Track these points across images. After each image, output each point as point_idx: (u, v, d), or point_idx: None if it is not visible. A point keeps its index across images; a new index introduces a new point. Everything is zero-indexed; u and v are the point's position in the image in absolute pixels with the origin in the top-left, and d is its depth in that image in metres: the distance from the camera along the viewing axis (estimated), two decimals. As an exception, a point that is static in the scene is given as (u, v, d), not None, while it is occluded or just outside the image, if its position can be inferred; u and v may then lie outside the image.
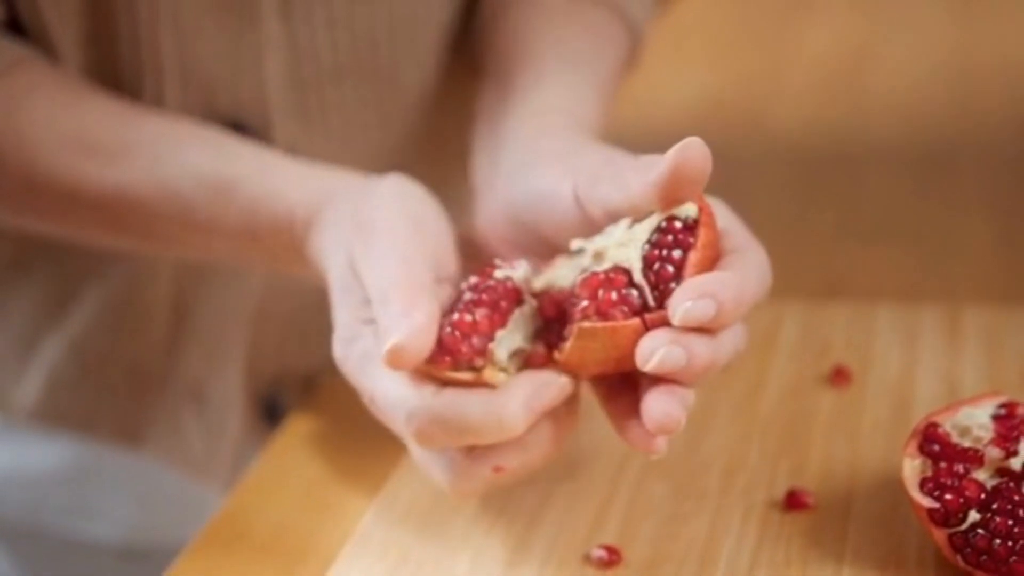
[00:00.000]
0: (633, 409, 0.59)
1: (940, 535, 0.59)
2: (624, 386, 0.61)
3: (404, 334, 0.59)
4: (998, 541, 0.58)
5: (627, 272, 0.59)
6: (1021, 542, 0.57)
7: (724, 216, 0.62)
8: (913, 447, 0.61)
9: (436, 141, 0.86)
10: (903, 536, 0.63)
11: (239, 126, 0.78)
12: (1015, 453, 0.60)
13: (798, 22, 1.37)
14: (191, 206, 0.71)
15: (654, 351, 0.57)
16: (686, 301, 0.56)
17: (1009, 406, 0.62)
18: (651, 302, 0.58)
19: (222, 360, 0.86)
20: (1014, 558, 0.57)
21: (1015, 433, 0.61)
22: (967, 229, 0.94)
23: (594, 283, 0.59)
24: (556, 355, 0.61)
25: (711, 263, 0.59)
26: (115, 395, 0.88)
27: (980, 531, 0.58)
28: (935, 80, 1.19)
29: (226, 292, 0.84)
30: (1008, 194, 0.98)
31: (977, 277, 0.88)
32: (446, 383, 0.61)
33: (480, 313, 0.61)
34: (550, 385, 0.60)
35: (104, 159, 0.72)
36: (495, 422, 0.58)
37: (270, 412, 0.90)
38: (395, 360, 0.59)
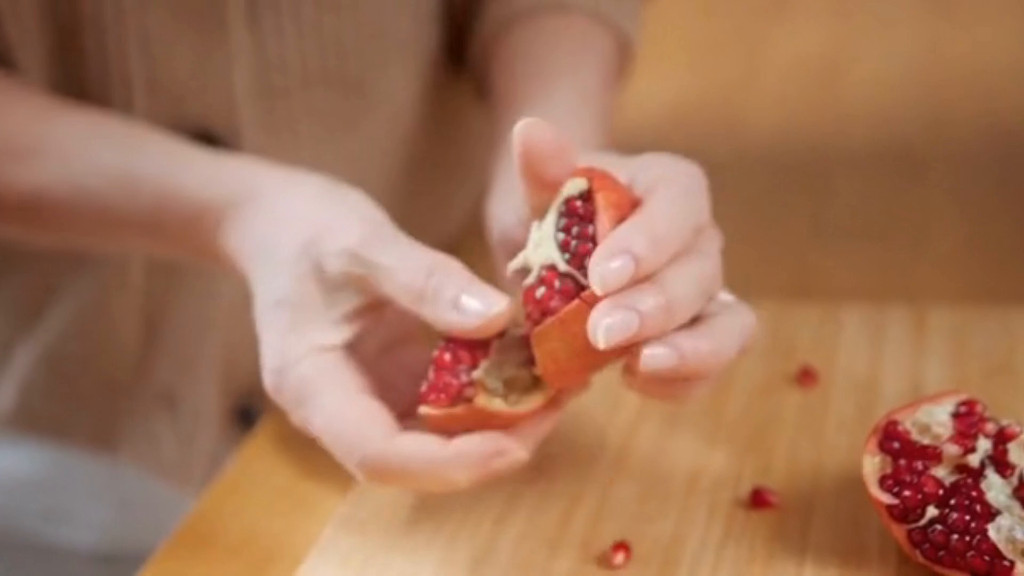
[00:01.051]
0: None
1: (899, 531, 0.60)
2: None
3: (501, 304, 0.59)
4: (956, 536, 0.58)
5: (554, 267, 0.59)
6: (978, 537, 0.58)
7: (627, 163, 0.61)
8: (873, 444, 0.62)
9: (407, 150, 0.87)
10: (865, 533, 0.64)
11: (208, 135, 0.79)
12: (973, 450, 0.61)
13: (774, 27, 1.38)
14: (103, 203, 0.71)
15: (597, 325, 0.56)
16: (599, 266, 0.56)
17: (969, 404, 0.63)
18: (585, 283, 0.58)
19: (195, 367, 0.86)
20: (971, 553, 0.58)
21: (974, 430, 0.61)
22: (936, 231, 0.95)
23: (529, 292, 0.60)
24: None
25: (620, 217, 0.58)
26: (88, 402, 0.88)
27: (938, 526, 0.59)
28: (907, 84, 1.20)
29: (197, 300, 0.85)
30: (977, 197, 0.99)
31: (945, 278, 0.89)
32: (444, 421, 0.61)
33: (459, 348, 0.61)
34: (502, 457, 0.60)
35: (18, 159, 0.72)
36: (441, 482, 0.61)
37: (244, 418, 0.90)
38: (489, 327, 0.59)
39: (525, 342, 0.62)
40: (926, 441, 0.62)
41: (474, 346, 0.62)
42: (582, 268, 0.58)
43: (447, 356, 0.61)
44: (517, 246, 0.63)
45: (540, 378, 0.61)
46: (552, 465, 0.71)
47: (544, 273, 0.59)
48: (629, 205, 0.59)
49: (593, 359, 0.60)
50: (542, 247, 0.60)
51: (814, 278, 0.91)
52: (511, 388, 0.62)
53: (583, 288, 0.58)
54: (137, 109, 0.77)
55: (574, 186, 0.60)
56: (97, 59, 0.76)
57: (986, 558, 0.58)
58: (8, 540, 0.93)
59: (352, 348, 0.64)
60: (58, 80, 0.77)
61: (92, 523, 0.93)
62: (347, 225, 0.63)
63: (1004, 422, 0.62)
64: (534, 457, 0.71)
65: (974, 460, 0.61)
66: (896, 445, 0.61)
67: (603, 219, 0.58)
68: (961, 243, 0.93)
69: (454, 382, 0.61)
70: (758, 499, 0.67)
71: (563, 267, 0.59)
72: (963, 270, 0.90)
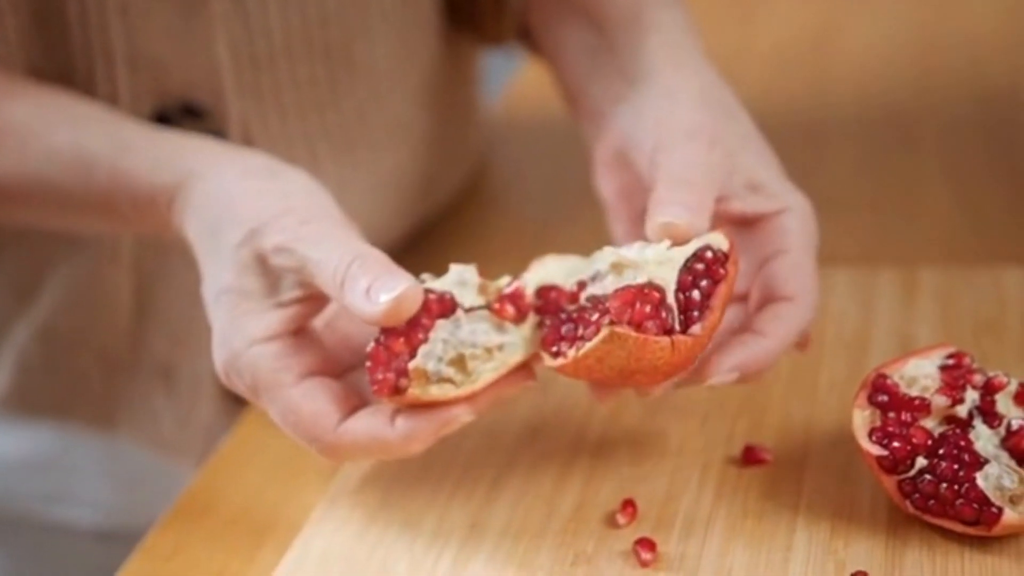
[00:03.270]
0: None
1: (889, 482, 0.61)
2: None
3: (401, 287, 0.61)
4: (944, 485, 0.59)
5: (661, 291, 0.61)
6: (966, 485, 0.59)
7: (798, 255, 0.67)
8: (863, 398, 0.63)
9: (394, 122, 0.87)
10: (857, 487, 0.64)
11: (193, 107, 0.80)
12: (961, 401, 0.62)
13: (762, 2, 1.38)
14: (60, 187, 0.73)
15: (716, 373, 0.63)
16: (723, 371, 0.63)
17: (956, 356, 0.64)
18: (676, 325, 0.61)
19: (189, 340, 0.86)
20: (960, 501, 0.59)
21: (961, 382, 0.62)
22: (926, 198, 0.95)
23: (630, 294, 0.60)
24: (551, 353, 0.62)
25: (730, 297, 0.62)
26: (85, 380, 0.88)
27: (927, 476, 0.60)
28: (895, 54, 1.20)
29: (188, 272, 0.85)
30: (965, 163, 1.00)
31: (935, 243, 0.90)
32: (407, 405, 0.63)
33: (393, 338, 0.62)
34: (450, 426, 0.62)
35: None
36: (394, 456, 0.64)
37: (240, 391, 0.91)
38: (396, 314, 0.61)
39: (535, 313, 0.64)
40: (914, 393, 0.62)
41: (409, 334, 0.62)
42: (683, 313, 0.61)
43: (380, 350, 0.62)
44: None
45: (500, 348, 0.63)
46: (547, 428, 0.71)
47: (648, 289, 0.61)
48: (733, 290, 0.63)
49: (622, 378, 0.62)
50: (663, 267, 0.61)
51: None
52: (462, 365, 0.62)
53: (672, 326, 0.61)
54: (120, 81, 0.78)
55: (717, 242, 0.62)
56: (79, 31, 0.76)
57: (974, 506, 0.58)
58: (9, 520, 0.93)
59: (298, 329, 0.66)
60: (41, 52, 0.77)
61: (92, 501, 0.93)
62: (283, 217, 0.65)
63: (991, 373, 0.62)
64: (529, 421, 0.72)
65: (962, 411, 0.62)
66: (885, 398, 0.62)
67: (723, 289, 0.61)
68: (950, 208, 0.94)
69: (388, 376, 0.62)
70: (751, 456, 0.67)
71: (670, 298, 0.61)
72: (952, 234, 0.91)
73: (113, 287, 0.85)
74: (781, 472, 0.66)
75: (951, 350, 0.64)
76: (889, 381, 0.63)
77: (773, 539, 0.62)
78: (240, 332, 0.64)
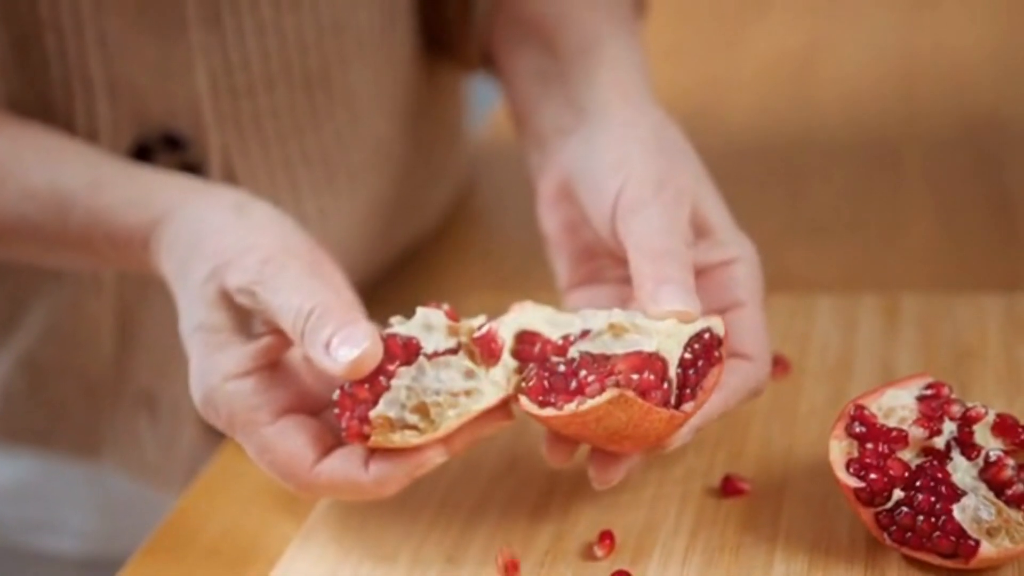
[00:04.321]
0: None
1: (867, 514, 0.61)
2: None
3: (363, 346, 0.61)
4: (921, 518, 0.59)
5: (665, 363, 0.61)
6: (943, 518, 0.59)
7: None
8: (840, 429, 0.62)
9: (374, 149, 0.87)
10: (835, 518, 0.64)
11: (174, 137, 0.80)
12: (939, 432, 0.61)
13: (752, 24, 1.38)
14: (38, 226, 0.73)
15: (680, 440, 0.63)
16: (683, 434, 0.63)
17: (935, 386, 0.63)
18: (672, 399, 0.61)
19: (171, 370, 0.86)
20: (937, 533, 0.59)
21: (939, 413, 0.62)
22: (909, 222, 0.95)
23: (639, 361, 0.61)
24: (538, 402, 0.62)
25: (718, 382, 0.63)
26: (68, 408, 0.88)
27: (904, 509, 0.60)
28: (881, 78, 1.20)
29: (169, 303, 0.85)
30: (949, 188, 0.99)
31: (917, 269, 0.89)
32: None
33: (357, 386, 0.62)
34: (422, 468, 0.63)
35: None
36: (367, 497, 0.64)
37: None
38: (356, 371, 0.61)
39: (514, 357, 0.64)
40: (892, 424, 0.62)
41: (373, 381, 0.62)
42: (680, 389, 0.62)
43: (345, 397, 0.62)
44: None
45: (467, 393, 0.63)
46: (524, 460, 0.71)
47: (654, 359, 0.61)
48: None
49: (610, 441, 0.62)
50: (670, 339, 0.62)
51: (789, 271, 0.91)
52: (425, 412, 0.62)
53: (670, 403, 0.61)
54: (99, 111, 0.78)
55: (716, 325, 0.63)
56: (58, 62, 0.77)
57: (952, 538, 0.58)
58: (-6, 549, 0.93)
59: (273, 362, 0.66)
60: (20, 83, 0.77)
61: (76, 530, 0.93)
62: (245, 256, 0.65)
63: (970, 404, 0.62)
64: (506, 453, 0.72)
65: (940, 442, 0.61)
66: (862, 429, 0.62)
67: (716, 371, 0.62)
68: (933, 234, 0.94)
69: (353, 423, 0.62)
70: (729, 487, 0.67)
71: (672, 372, 0.61)
72: (935, 260, 0.90)
73: (95, 317, 0.85)
74: (760, 503, 0.66)
75: (929, 380, 0.64)
76: (867, 412, 0.62)
77: (751, 572, 0.62)
78: (214, 368, 0.65)
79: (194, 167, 0.81)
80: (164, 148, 0.80)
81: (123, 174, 0.73)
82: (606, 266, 0.71)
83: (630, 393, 0.59)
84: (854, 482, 0.61)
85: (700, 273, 0.66)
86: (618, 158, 0.68)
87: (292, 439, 0.64)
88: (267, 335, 0.66)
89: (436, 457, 0.63)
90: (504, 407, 0.64)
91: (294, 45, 0.80)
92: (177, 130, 0.80)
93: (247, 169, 0.82)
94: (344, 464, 0.63)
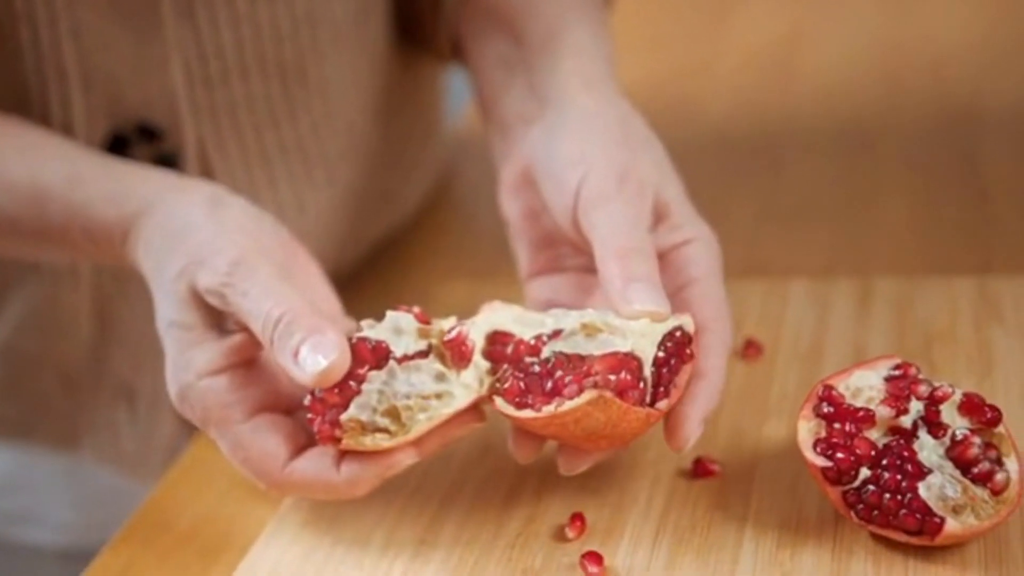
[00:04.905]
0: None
1: (834, 493, 0.61)
2: None
3: (331, 358, 0.61)
4: (887, 496, 0.59)
5: (640, 362, 0.62)
6: (909, 495, 0.59)
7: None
8: (808, 410, 0.63)
9: (350, 140, 0.88)
10: (804, 498, 0.64)
11: (149, 128, 0.80)
12: (905, 411, 0.62)
13: (731, 13, 1.38)
14: (16, 220, 0.73)
15: (688, 438, 0.63)
16: (695, 430, 0.63)
17: (902, 367, 0.64)
18: (647, 398, 0.62)
19: (149, 361, 0.86)
20: (903, 511, 0.59)
21: (906, 392, 0.62)
22: (884, 210, 0.95)
23: (616, 361, 0.61)
24: (515, 404, 0.62)
25: (688, 378, 0.64)
26: (47, 400, 0.89)
27: (871, 487, 0.60)
28: (861, 68, 1.20)
29: (147, 294, 0.85)
30: (924, 175, 1.00)
31: (892, 257, 0.90)
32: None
33: (325, 390, 0.63)
34: (393, 469, 0.63)
35: None
36: (340, 497, 0.64)
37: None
38: (324, 381, 0.62)
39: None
40: (859, 404, 0.62)
41: (343, 385, 0.63)
42: (655, 389, 0.62)
43: (315, 402, 0.63)
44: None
45: (438, 396, 0.63)
46: (497, 445, 0.71)
47: (629, 359, 0.62)
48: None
49: (600, 444, 0.63)
50: (644, 339, 0.62)
51: (764, 257, 0.91)
52: (396, 416, 0.63)
53: (645, 402, 0.62)
54: (74, 102, 0.78)
55: (686, 323, 0.64)
56: (32, 54, 0.77)
57: (917, 516, 0.59)
58: (-27, 542, 0.93)
59: (247, 360, 0.66)
60: (-2, 73, 0.78)
61: (56, 522, 0.93)
62: (217, 259, 0.65)
63: (937, 384, 0.62)
64: (480, 439, 0.72)
65: (907, 421, 0.62)
66: (830, 409, 0.62)
67: (689, 368, 0.63)
68: (909, 220, 0.94)
69: (324, 427, 0.62)
70: (700, 469, 0.67)
71: (646, 371, 0.62)
72: (910, 246, 0.91)
73: (73, 308, 0.85)
74: (730, 484, 0.66)
75: (897, 361, 0.64)
76: (834, 392, 0.63)
77: (720, 551, 0.62)
78: (187, 365, 0.65)
79: (170, 158, 0.81)
80: (140, 139, 0.81)
81: (101, 169, 0.73)
82: (566, 254, 0.72)
83: (609, 394, 0.60)
84: (821, 461, 0.61)
85: (658, 256, 0.66)
86: (580, 149, 0.68)
87: (265, 438, 0.64)
88: (240, 332, 0.66)
89: (406, 459, 0.63)
90: (475, 409, 0.64)
91: (268, 36, 0.80)
92: (152, 121, 0.80)
93: (223, 160, 0.82)
94: (316, 464, 0.64)
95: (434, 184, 1.04)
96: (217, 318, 0.67)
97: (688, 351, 0.63)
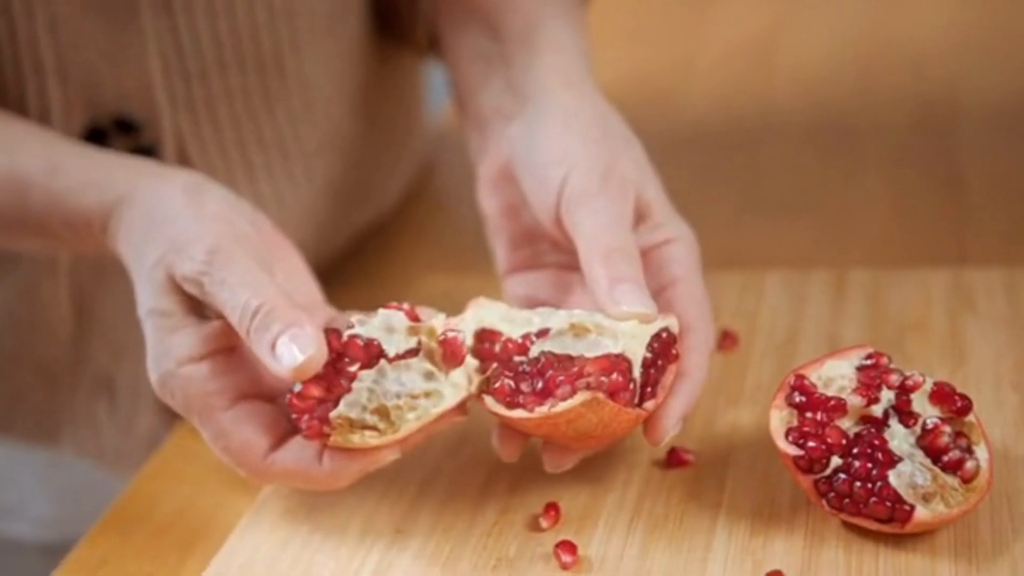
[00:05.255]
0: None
1: (806, 482, 0.61)
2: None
3: (308, 353, 0.61)
4: (858, 484, 0.60)
5: (629, 363, 0.63)
6: (880, 484, 0.59)
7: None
8: (780, 399, 0.63)
9: (330, 132, 0.88)
10: (777, 487, 0.65)
11: (126, 120, 0.80)
12: (876, 400, 0.62)
13: (712, 8, 1.39)
14: None
15: (666, 434, 0.64)
16: (673, 427, 0.64)
17: (874, 356, 0.64)
18: (636, 397, 0.63)
19: (129, 353, 0.87)
20: (874, 499, 0.59)
21: (877, 382, 0.63)
22: (861, 203, 0.96)
23: (607, 363, 0.62)
24: (506, 403, 0.63)
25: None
26: (26, 393, 0.89)
27: (842, 475, 0.60)
28: (840, 63, 1.21)
29: (126, 286, 0.85)
30: (902, 168, 1.00)
31: (869, 246, 0.90)
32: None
33: (314, 386, 0.63)
34: (375, 464, 0.64)
35: None
36: (320, 489, 0.65)
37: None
38: (301, 375, 0.62)
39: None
40: (831, 393, 0.63)
41: (332, 381, 0.63)
42: (643, 389, 0.63)
43: (297, 401, 0.63)
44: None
45: (427, 395, 0.63)
46: (474, 435, 0.72)
47: (619, 360, 0.62)
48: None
49: (589, 443, 0.64)
50: (634, 340, 0.63)
51: (743, 249, 0.92)
52: (385, 414, 0.63)
53: (634, 403, 0.63)
54: (51, 95, 0.78)
55: (672, 324, 0.65)
56: (8, 46, 0.77)
57: (888, 503, 0.59)
58: (-47, 536, 0.93)
59: (228, 347, 0.66)
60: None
61: (36, 516, 0.93)
62: (194, 247, 0.65)
63: (908, 373, 0.63)
64: (456, 429, 0.72)
65: (878, 410, 0.62)
66: (802, 399, 0.63)
67: (674, 368, 0.64)
68: (886, 213, 0.95)
69: (313, 423, 0.62)
70: (674, 459, 0.68)
71: (636, 371, 0.63)
72: (887, 239, 0.91)
73: (52, 301, 0.85)
74: (704, 474, 0.67)
75: (869, 351, 0.65)
76: (807, 382, 0.63)
77: (693, 540, 0.62)
78: (168, 353, 0.65)
79: (148, 151, 0.81)
80: (117, 132, 0.81)
81: (81, 158, 0.73)
82: (545, 251, 0.72)
83: (602, 396, 0.60)
84: (793, 450, 0.61)
85: (640, 255, 0.67)
86: (562, 147, 0.68)
87: (247, 427, 0.64)
88: (220, 319, 0.66)
89: (390, 455, 0.63)
90: (460, 405, 0.64)
91: (246, 29, 0.80)
92: (130, 114, 0.80)
93: (201, 152, 0.82)
94: (298, 456, 0.64)
95: (415, 177, 1.05)
96: (197, 305, 0.67)
97: (674, 351, 0.64)
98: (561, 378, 0.62)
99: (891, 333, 0.76)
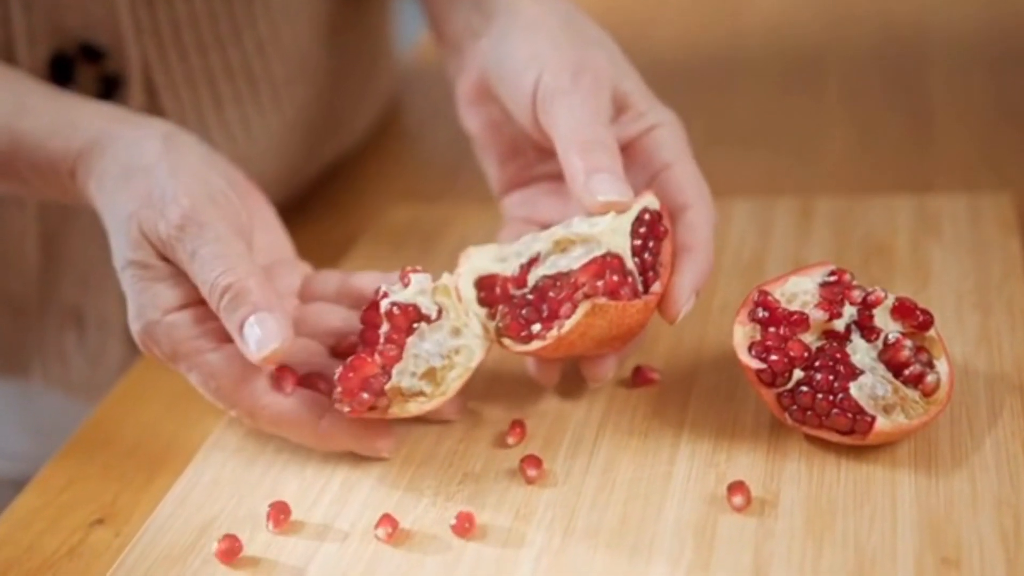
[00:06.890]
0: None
1: (769, 395, 0.62)
2: None
3: (272, 346, 0.62)
4: (820, 396, 0.60)
5: (620, 258, 0.63)
6: (841, 395, 0.60)
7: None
8: (744, 315, 0.64)
9: (297, 59, 0.87)
10: (741, 404, 0.65)
11: (92, 48, 0.79)
12: (839, 315, 0.63)
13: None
14: None
15: (680, 311, 0.64)
16: (685, 301, 0.64)
17: (837, 273, 0.64)
18: (639, 286, 0.63)
19: (97, 284, 0.86)
20: (836, 410, 0.60)
21: (840, 297, 0.63)
22: (828, 131, 0.96)
23: (597, 266, 0.62)
24: (520, 339, 0.63)
25: (672, 251, 0.65)
26: (-4, 328, 0.88)
27: (804, 388, 0.61)
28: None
29: (93, 218, 0.85)
30: (868, 97, 1.01)
31: (835, 174, 0.91)
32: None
33: (357, 359, 0.62)
34: (368, 450, 0.64)
35: None
36: (306, 443, 0.65)
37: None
38: (268, 362, 0.62)
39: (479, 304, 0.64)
40: (794, 309, 0.63)
41: (388, 343, 0.63)
42: (643, 273, 0.63)
43: (350, 374, 0.62)
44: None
45: (457, 351, 0.63)
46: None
47: (610, 259, 0.63)
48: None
49: (601, 345, 0.63)
50: (615, 235, 0.63)
51: (710, 180, 0.90)
52: (432, 376, 0.63)
53: (639, 291, 0.63)
54: (15, 22, 0.77)
55: (650, 202, 0.65)
56: None
57: (849, 415, 0.60)
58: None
59: None
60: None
61: (9, 451, 0.93)
62: (168, 209, 0.64)
63: (870, 289, 0.63)
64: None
65: (840, 325, 0.63)
66: (765, 314, 0.63)
67: (668, 243, 0.64)
68: (852, 142, 0.95)
69: (365, 398, 0.62)
70: (640, 377, 0.68)
71: (629, 264, 0.63)
72: (853, 167, 0.92)
73: (19, 234, 0.85)
74: (669, 392, 0.67)
75: (832, 268, 0.65)
76: (770, 298, 0.63)
77: (657, 454, 0.63)
78: (152, 303, 0.65)
79: (114, 78, 0.80)
80: (83, 59, 0.80)
81: (49, 101, 0.72)
82: (533, 161, 0.72)
83: (601, 300, 0.61)
84: (756, 364, 0.62)
85: (626, 146, 0.67)
86: (531, 51, 0.68)
87: (238, 365, 0.64)
88: None
89: (383, 451, 0.64)
90: (452, 403, 0.65)
91: None
92: (95, 41, 0.80)
93: (167, 80, 0.81)
94: (299, 408, 0.64)
95: (383, 111, 1.04)
96: (170, 262, 0.66)
97: (662, 227, 0.64)
98: (561, 296, 0.62)
99: (856, 257, 0.77)
